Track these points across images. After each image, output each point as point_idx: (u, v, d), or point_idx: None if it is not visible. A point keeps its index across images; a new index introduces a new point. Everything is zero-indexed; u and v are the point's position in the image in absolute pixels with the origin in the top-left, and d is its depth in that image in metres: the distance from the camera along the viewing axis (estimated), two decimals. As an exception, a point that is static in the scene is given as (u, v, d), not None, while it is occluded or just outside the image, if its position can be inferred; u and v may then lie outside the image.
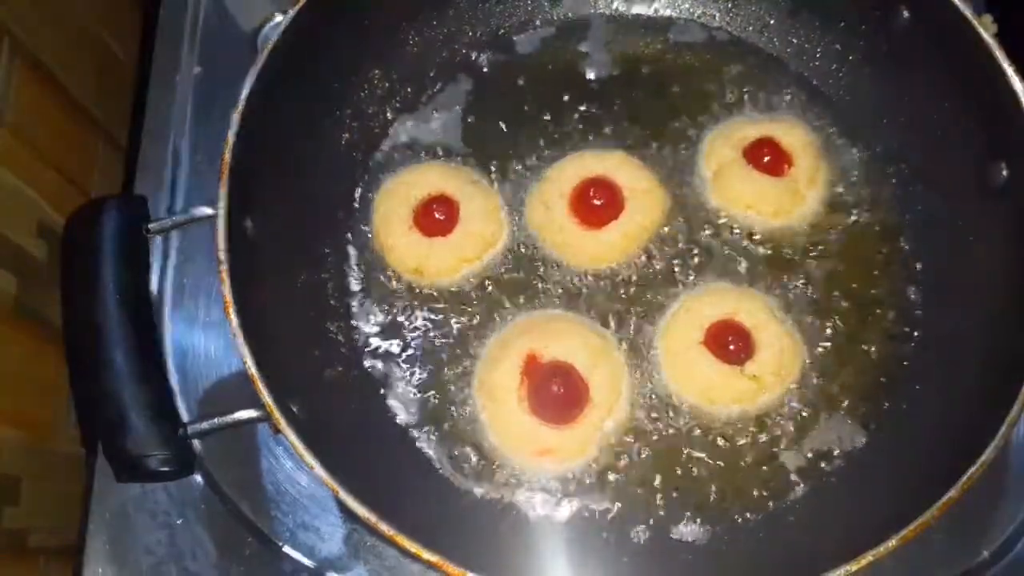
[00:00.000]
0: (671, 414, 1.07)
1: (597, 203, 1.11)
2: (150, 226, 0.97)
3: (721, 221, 1.15)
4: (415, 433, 1.07)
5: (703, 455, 1.05)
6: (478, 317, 1.11)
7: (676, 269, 1.13)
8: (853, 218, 1.15)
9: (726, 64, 1.23)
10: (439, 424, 1.07)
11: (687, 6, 1.26)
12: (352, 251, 1.15)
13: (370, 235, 1.15)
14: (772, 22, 1.24)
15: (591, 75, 1.23)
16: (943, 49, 1.07)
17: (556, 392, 1.03)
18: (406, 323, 1.11)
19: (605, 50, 1.24)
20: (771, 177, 1.13)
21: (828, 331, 1.10)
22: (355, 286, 1.13)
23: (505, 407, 1.04)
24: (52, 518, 1.16)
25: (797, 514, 1.03)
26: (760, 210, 1.14)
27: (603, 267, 1.13)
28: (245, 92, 0.99)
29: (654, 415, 1.07)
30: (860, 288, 1.12)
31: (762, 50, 1.24)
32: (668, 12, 1.27)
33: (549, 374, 1.03)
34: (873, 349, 1.10)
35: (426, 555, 0.85)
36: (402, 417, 1.08)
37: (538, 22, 1.27)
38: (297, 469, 1.10)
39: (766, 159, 1.13)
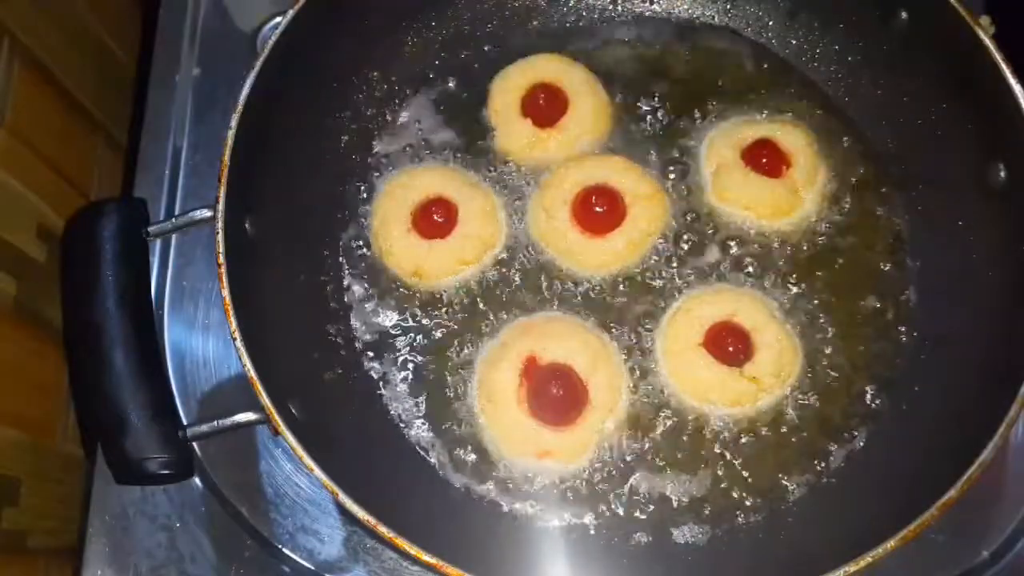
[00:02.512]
0: (670, 416, 1.07)
1: (599, 210, 1.10)
2: (150, 229, 0.98)
3: (720, 222, 1.15)
4: (414, 435, 1.07)
5: (702, 457, 1.05)
6: (477, 319, 1.11)
7: (675, 270, 1.13)
8: (852, 219, 1.15)
9: (725, 65, 1.23)
10: (438, 426, 1.07)
11: (686, 7, 1.26)
12: (351, 253, 1.15)
13: (369, 237, 1.15)
14: (771, 23, 1.24)
15: (589, 76, 1.23)
16: (942, 50, 1.07)
17: (555, 394, 1.03)
18: (405, 325, 1.11)
19: (603, 51, 1.24)
20: (769, 178, 1.13)
21: (827, 332, 1.10)
22: (354, 288, 1.13)
23: (504, 409, 1.04)
24: (52, 519, 1.16)
25: (797, 515, 1.03)
26: (758, 211, 1.13)
27: (604, 272, 1.13)
28: (244, 93, 0.99)
29: (653, 417, 1.07)
30: (859, 289, 1.12)
31: (761, 51, 1.24)
32: (667, 13, 1.26)
33: (548, 376, 1.04)
34: (872, 349, 1.10)
35: (425, 557, 0.85)
36: (401, 419, 1.08)
37: (536, 23, 1.26)
38: (296, 471, 1.10)
39: (764, 160, 1.13)
